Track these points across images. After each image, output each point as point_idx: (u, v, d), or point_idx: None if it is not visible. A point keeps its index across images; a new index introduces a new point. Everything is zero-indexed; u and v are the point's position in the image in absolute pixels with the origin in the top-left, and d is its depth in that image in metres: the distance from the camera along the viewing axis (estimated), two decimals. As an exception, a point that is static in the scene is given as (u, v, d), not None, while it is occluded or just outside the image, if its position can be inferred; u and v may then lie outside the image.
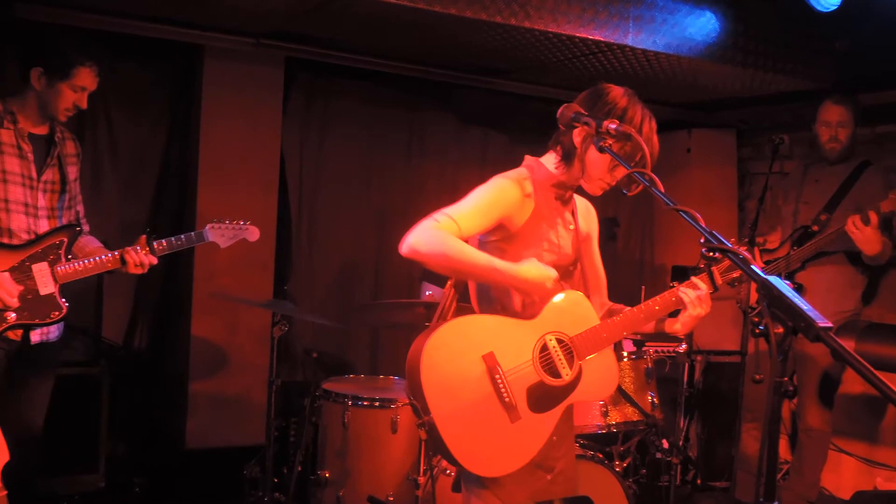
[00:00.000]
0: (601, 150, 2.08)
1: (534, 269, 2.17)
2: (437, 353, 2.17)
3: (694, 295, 2.30)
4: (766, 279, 1.51)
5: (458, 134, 5.44)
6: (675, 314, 2.36)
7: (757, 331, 1.50)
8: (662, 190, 1.92)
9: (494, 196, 2.23)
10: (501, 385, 2.18)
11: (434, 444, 2.17)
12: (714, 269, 2.33)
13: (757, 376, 3.38)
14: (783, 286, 1.50)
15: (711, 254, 1.66)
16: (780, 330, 1.48)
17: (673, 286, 2.35)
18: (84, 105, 3.12)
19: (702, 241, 1.69)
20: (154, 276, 4.64)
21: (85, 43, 3.13)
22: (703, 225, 1.73)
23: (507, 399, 2.17)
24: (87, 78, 3.07)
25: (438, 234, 2.13)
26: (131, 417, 4.59)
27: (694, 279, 2.33)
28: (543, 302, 2.26)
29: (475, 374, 2.18)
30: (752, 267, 1.57)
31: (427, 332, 2.20)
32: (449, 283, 2.37)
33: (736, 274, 2.34)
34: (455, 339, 2.21)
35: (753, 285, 1.93)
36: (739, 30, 4.14)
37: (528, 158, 2.38)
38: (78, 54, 3.05)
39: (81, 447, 3.98)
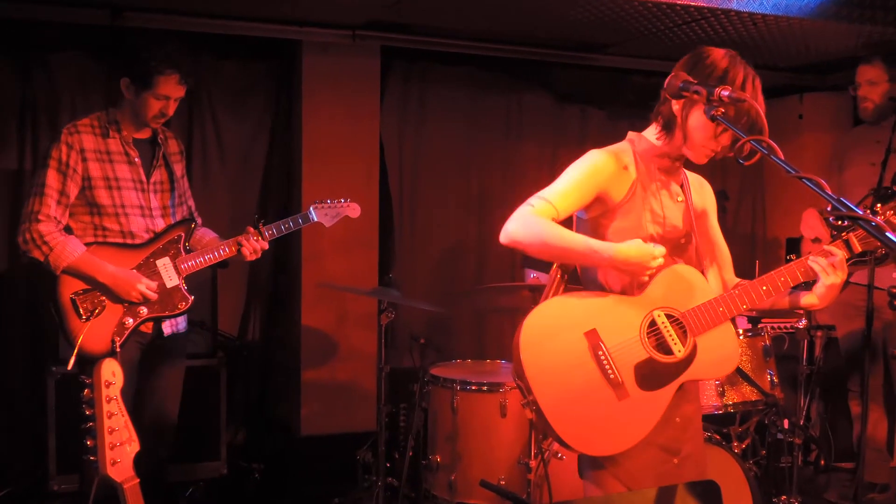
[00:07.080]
0: (713, 119, 1.98)
1: (634, 248, 2.10)
2: (536, 331, 2.14)
3: (826, 262, 2.13)
4: (904, 247, 1.41)
5: (556, 113, 5.36)
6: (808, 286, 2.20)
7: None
8: (782, 157, 1.81)
9: (589, 170, 2.18)
10: (606, 362, 2.12)
11: (540, 425, 2.14)
12: (850, 234, 2.12)
13: (894, 351, 3.19)
14: (923, 254, 1.39)
15: (840, 222, 1.55)
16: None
17: (791, 259, 2.22)
18: (170, 112, 3.09)
19: (829, 209, 1.59)
20: (264, 268, 4.81)
21: (167, 50, 3.04)
22: (830, 192, 1.63)
23: (612, 376, 2.12)
24: (167, 86, 3.01)
25: (536, 221, 2.12)
26: (248, 407, 4.75)
27: (826, 247, 2.15)
28: (650, 278, 2.18)
29: (577, 352, 2.13)
30: (888, 234, 1.46)
31: (529, 311, 2.18)
32: (555, 265, 2.33)
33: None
34: (554, 317, 2.17)
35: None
36: (854, -18, 3.91)
37: (630, 133, 2.32)
38: (158, 63, 2.97)
39: (204, 436, 4.13)
